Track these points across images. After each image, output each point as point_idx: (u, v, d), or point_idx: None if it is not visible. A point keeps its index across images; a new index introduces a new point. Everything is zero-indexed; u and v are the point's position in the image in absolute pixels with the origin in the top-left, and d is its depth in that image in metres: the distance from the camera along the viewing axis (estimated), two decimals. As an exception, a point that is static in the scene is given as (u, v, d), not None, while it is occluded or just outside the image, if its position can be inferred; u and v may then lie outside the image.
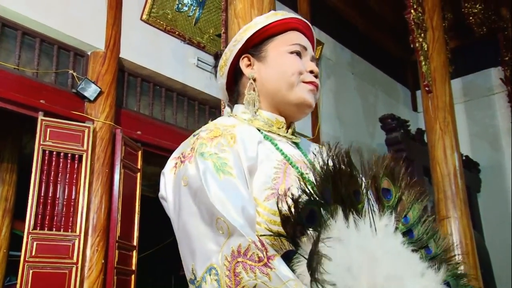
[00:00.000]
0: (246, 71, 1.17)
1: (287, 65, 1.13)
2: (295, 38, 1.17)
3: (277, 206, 0.89)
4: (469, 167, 6.93)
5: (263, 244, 0.85)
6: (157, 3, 4.76)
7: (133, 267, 4.31)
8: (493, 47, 7.36)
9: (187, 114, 5.24)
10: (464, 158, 6.27)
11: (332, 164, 0.91)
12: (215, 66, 1.26)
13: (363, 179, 0.96)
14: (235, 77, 1.21)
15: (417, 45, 5.26)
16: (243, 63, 1.18)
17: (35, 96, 3.98)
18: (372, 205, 0.94)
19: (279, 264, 0.83)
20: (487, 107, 7.56)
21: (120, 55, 4.49)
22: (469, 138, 7.31)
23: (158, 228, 6.47)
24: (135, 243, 4.37)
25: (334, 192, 0.89)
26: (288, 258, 0.87)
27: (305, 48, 1.18)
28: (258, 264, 0.83)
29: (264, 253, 0.84)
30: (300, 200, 0.87)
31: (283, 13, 1.19)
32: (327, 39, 6.76)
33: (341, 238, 0.87)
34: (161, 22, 4.87)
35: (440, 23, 5.48)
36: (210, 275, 0.87)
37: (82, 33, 4.28)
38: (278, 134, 1.15)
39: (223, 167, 0.96)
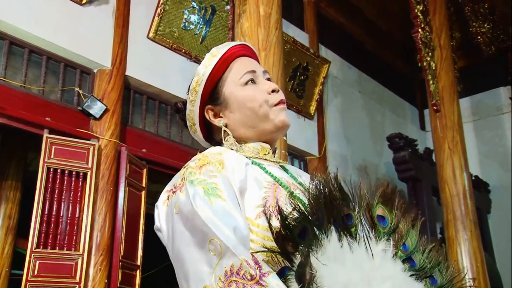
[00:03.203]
0: (215, 122, 1.20)
1: (250, 101, 1.15)
2: (241, 68, 1.19)
3: (268, 222, 0.89)
4: (479, 187, 6.84)
5: (256, 262, 0.86)
6: (163, 21, 4.78)
7: (137, 287, 4.24)
8: (502, 66, 7.33)
9: (193, 132, 5.21)
10: (473, 178, 6.18)
11: (322, 188, 0.91)
12: (182, 119, 1.29)
13: (356, 205, 0.95)
14: (207, 126, 1.24)
15: (424, 64, 5.24)
16: (208, 115, 1.21)
17: (40, 114, 3.97)
18: (367, 230, 0.93)
19: (272, 280, 0.83)
20: (496, 127, 7.49)
21: (126, 73, 4.49)
22: (478, 158, 7.22)
23: (162, 247, 6.42)
24: (139, 262, 4.31)
25: (327, 213, 0.89)
26: (283, 275, 0.87)
27: (254, 71, 1.19)
28: (250, 282, 0.83)
29: (257, 270, 0.84)
30: (290, 216, 0.88)
31: (218, 51, 1.20)
32: (334, 57, 6.75)
33: (337, 258, 0.87)
34: (168, 40, 4.88)
35: (448, 42, 5.47)
36: None
37: (88, 51, 4.29)
38: (266, 159, 1.17)
39: (213, 191, 0.97)
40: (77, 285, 3.74)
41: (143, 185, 4.53)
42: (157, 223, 1.07)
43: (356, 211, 0.93)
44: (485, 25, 6.88)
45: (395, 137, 6.23)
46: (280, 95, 1.18)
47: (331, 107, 6.54)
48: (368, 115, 7.26)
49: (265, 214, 0.93)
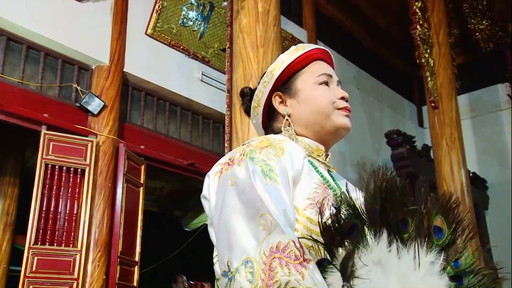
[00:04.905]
0: (280, 108, 1.23)
1: (319, 98, 1.20)
2: (319, 68, 1.24)
3: (320, 214, 0.92)
4: (477, 184, 6.85)
5: (301, 246, 0.88)
6: (162, 17, 4.77)
7: (135, 283, 4.25)
8: (500, 63, 7.33)
9: (191, 128, 5.22)
10: (471, 174, 6.20)
11: (384, 187, 0.92)
12: (244, 104, 1.32)
13: (415, 211, 0.95)
14: (268, 113, 1.26)
15: (423, 60, 5.24)
16: (275, 101, 1.23)
17: (38, 110, 3.97)
18: (420, 238, 0.92)
19: (313, 267, 0.86)
20: (494, 123, 7.50)
21: (124, 69, 4.48)
22: (476, 155, 7.23)
23: (160, 243, 6.42)
24: (137, 258, 4.32)
25: (381, 214, 0.90)
26: (321, 266, 0.89)
27: (330, 76, 1.25)
28: (295, 262, 0.85)
29: (301, 253, 0.87)
30: (343, 211, 0.90)
31: (303, 47, 1.26)
32: (332, 54, 6.74)
33: (381, 261, 0.87)
34: (166, 37, 4.87)
35: (446, 38, 5.47)
36: (245, 267, 0.89)
37: (86, 47, 4.28)
38: (318, 160, 1.19)
39: (269, 173, 1.00)
40: (75, 281, 3.74)
41: (141, 181, 4.52)
42: (205, 192, 1.09)
43: (414, 218, 0.92)
44: (484, 22, 6.89)
45: (393, 133, 6.23)
46: (348, 104, 1.23)
47: (329, 103, 6.53)
48: (367, 112, 7.26)
49: (320, 209, 0.96)
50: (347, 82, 7.01)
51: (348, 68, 7.16)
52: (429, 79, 5.25)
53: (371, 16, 7.40)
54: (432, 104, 5.20)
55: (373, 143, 7.12)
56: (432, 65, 5.31)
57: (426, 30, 5.36)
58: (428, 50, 5.32)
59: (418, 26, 5.26)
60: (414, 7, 5.32)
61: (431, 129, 5.30)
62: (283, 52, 1.28)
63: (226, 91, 3.67)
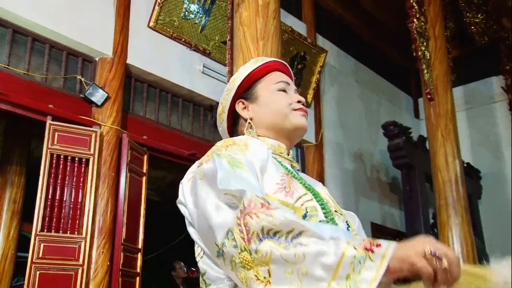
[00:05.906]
0: (242, 113, 1.35)
1: (278, 101, 1.32)
2: (278, 77, 1.36)
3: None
4: (470, 174, 6.96)
5: (265, 199, 0.96)
6: (164, 10, 4.84)
7: (138, 270, 4.34)
8: (495, 56, 7.42)
9: (193, 119, 5.30)
10: (465, 165, 6.31)
11: None
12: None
13: None
14: (233, 120, 1.39)
15: (419, 53, 5.32)
16: (238, 107, 1.36)
17: (44, 101, 4.04)
18: None
19: (284, 210, 0.95)
20: (488, 115, 7.61)
21: (127, 61, 4.55)
22: (470, 146, 7.34)
23: (162, 231, 6.53)
24: (140, 245, 4.41)
25: None
26: None
27: (288, 83, 1.36)
28: (261, 209, 0.93)
29: (266, 201, 0.95)
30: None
31: (262, 59, 1.40)
32: (331, 47, 6.83)
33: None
34: (168, 29, 4.94)
35: (442, 32, 5.55)
36: (228, 238, 0.96)
37: (90, 39, 4.35)
38: (281, 156, 1.30)
39: (237, 163, 1.08)
40: (81, 267, 3.83)
41: (144, 171, 4.61)
42: (180, 197, 1.17)
43: None
44: (479, 16, 6.97)
45: (390, 125, 6.32)
46: (304, 107, 1.34)
47: (327, 95, 6.63)
48: (364, 103, 7.36)
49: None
50: (345, 74, 7.10)
51: (347, 61, 7.25)
52: (425, 71, 5.34)
53: (370, 10, 7.47)
54: (428, 96, 5.30)
55: (370, 134, 7.23)
56: (428, 58, 5.40)
57: (422, 23, 5.45)
58: (425, 43, 5.41)
59: (414, 20, 5.35)
60: (411, 1, 5.40)
61: (427, 121, 5.39)
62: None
63: (227, 83, 3.76)
